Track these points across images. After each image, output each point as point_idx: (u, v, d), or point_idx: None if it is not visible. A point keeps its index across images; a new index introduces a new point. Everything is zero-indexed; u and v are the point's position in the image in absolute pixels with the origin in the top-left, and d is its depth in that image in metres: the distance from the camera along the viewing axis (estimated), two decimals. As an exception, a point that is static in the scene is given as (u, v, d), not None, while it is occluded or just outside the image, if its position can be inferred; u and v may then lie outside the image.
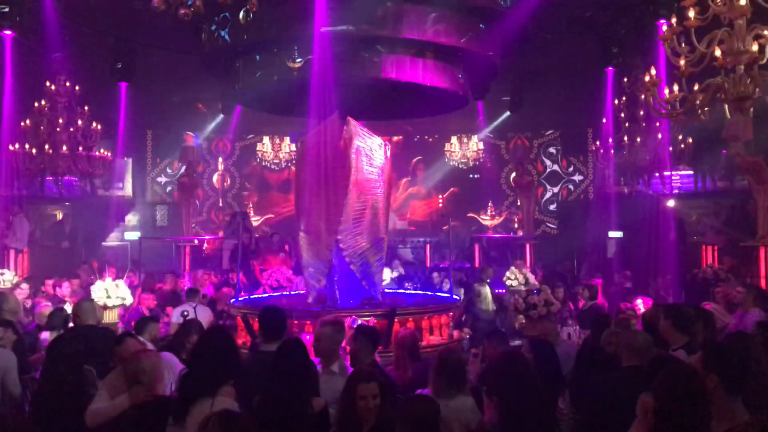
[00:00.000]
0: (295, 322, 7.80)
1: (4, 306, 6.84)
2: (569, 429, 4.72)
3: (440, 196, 19.82)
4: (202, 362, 3.87)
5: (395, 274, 12.17)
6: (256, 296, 10.04)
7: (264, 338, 4.95)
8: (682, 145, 11.92)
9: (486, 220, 18.80)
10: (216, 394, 3.63)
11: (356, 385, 3.69)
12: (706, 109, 5.66)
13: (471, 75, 10.27)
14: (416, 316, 8.38)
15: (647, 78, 5.67)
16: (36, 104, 12.94)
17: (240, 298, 9.53)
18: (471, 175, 19.69)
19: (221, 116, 16.85)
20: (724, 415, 3.08)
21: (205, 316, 8.56)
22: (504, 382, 3.91)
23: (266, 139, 19.43)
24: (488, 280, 10.97)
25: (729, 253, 13.35)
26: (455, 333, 8.96)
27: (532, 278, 11.11)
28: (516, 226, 18.35)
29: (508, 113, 16.87)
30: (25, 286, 9.95)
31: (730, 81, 5.25)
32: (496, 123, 17.73)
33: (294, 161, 19.08)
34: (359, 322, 6.76)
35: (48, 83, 12.95)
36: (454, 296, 9.73)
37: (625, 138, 13.18)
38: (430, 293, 10.21)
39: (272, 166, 19.52)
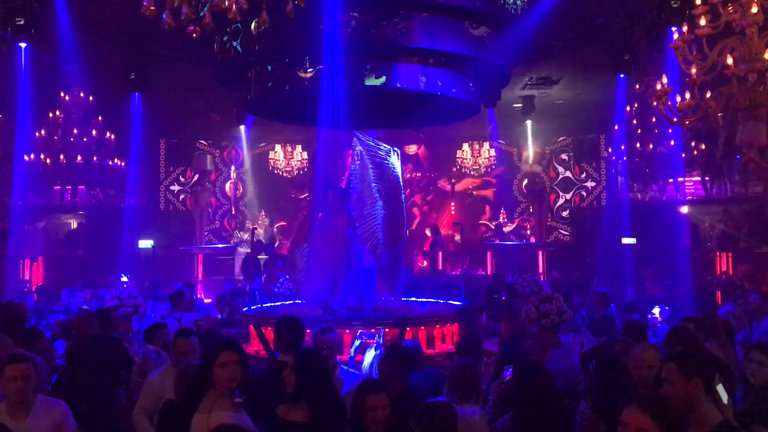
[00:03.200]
0: (308, 330, 7.81)
1: None
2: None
3: (452, 204, 19.79)
4: None
5: None
6: (269, 305, 10.07)
7: (281, 348, 4.94)
8: (695, 152, 11.87)
9: (493, 227, 18.75)
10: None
11: (365, 396, 3.65)
12: (720, 114, 5.64)
13: (482, 83, 10.28)
14: (428, 324, 8.39)
15: (659, 86, 5.64)
16: (50, 114, 13.11)
17: (253, 307, 9.60)
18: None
19: (242, 126, 16.91)
20: (701, 420, 3.13)
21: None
22: (520, 397, 3.93)
23: (278, 147, 19.51)
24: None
25: (744, 260, 13.27)
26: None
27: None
28: (528, 233, 18.31)
29: (529, 121, 16.81)
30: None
31: (743, 89, 5.22)
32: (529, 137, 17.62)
33: (305, 169, 19.30)
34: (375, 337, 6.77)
35: (62, 94, 13.13)
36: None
37: (638, 144, 13.15)
38: (442, 301, 10.20)
39: (284, 174, 19.58)
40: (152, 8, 4.05)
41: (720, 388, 3.83)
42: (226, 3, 4.27)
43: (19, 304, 7.65)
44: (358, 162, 8.87)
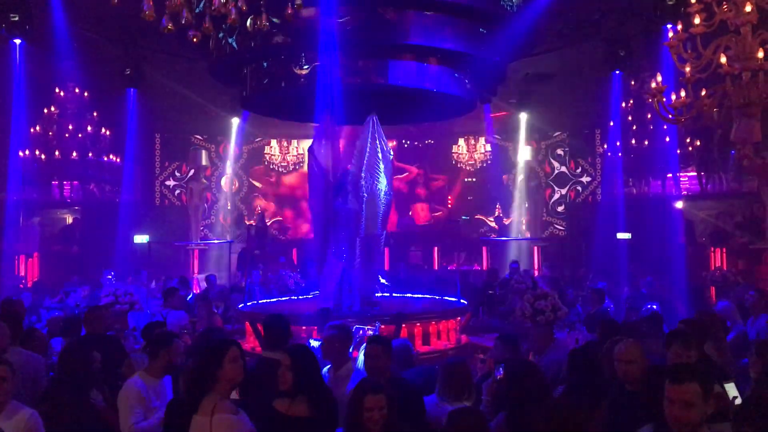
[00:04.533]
0: (303, 327, 7.84)
1: None
2: None
3: (449, 198, 19.81)
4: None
5: None
6: (264, 301, 10.08)
7: (267, 345, 4.94)
8: (690, 148, 11.90)
9: (494, 222, 18.80)
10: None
11: (363, 396, 3.63)
12: (715, 110, 5.66)
13: (478, 80, 10.28)
14: (423, 320, 8.41)
15: (653, 84, 5.66)
16: (45, 110, 13.07)
17: (249, 303, 9.60)
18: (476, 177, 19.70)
19: (237, 120, 17.03)
20: None
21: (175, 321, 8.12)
22: (513, 396, 3.94)
23: (274, 142, 19.50)
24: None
25: (741, 256, 13.30)
26: (462, 337, 8.99)
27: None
28: (524, 228, 18.34)
29: (525, 116, 16.89)
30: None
31: (736, 87, 5.24)
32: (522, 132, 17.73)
33: (301, 163, 19.33)
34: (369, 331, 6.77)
35: (57, 90, 13.08)
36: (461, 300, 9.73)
37: (633, 141, 13.17)
38: (437, 297, 10.21)
39: (280, 169, 19.57)
40: (149, 12, 4.05)
41: (731, 387, 3.88)
42: (226, 6, 4.28)
43: (17, 301, 7.64)
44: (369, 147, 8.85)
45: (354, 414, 3.63)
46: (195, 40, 4.53)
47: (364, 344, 6.36)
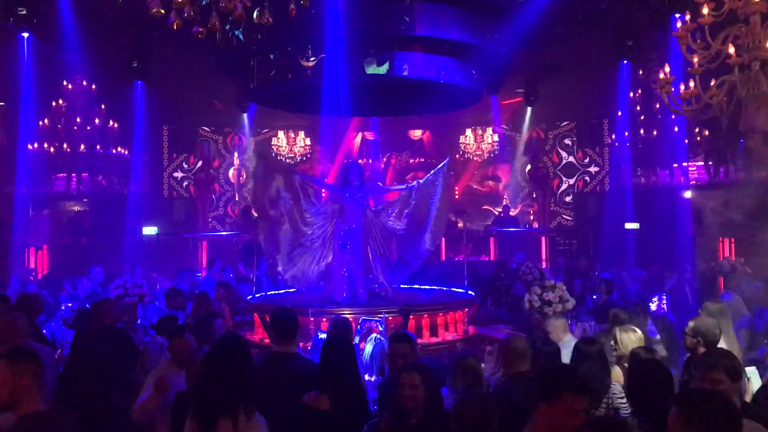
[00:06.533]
0: (311, 319, 7.87)
1: None
2: None
3: (456, 188, 19.78)
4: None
5: None
6: (273, 293, 10.11)
7: (275, 339, 4.95)
8: (699, 138, 11.83)
9: (501, 212, 18.77)
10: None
11: (400, 374, 3.94)
12: (724, 98, 5.63)
13: (485, 70, 10.25)
14: (431, 312, 8.43)
15: (662, 75, 5.63)
16: (53, 104, 13.12)
17: (257, 295, 9.64)
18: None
19: (244, 114, 17.15)
20: None
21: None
22: None
23: (281, 134, 19.51)
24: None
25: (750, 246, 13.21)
26: (470, 328, 9.00)
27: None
28: (531, 218, 18.31)
29: (529, 108, 16.89)
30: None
31: (745, 77, 5.20)
32: (527, 122, 17.78)
33: (308, 155, 19.37)
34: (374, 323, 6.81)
35: (65, 83, 13.12)
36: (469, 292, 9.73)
37: (641, 130, 13.09)
38: (445, 288, 10.22)
39: (287, 161, 19.57)
40: (156, 10, 4.07)
41: (753, 371, 3.92)
42: (231, 1, 4.29)
43: (33, 295, 7.70)
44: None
45: (395, 392, 3.92)
46: (200, 36, 4.55)
47: (372, 335, 6.44)
